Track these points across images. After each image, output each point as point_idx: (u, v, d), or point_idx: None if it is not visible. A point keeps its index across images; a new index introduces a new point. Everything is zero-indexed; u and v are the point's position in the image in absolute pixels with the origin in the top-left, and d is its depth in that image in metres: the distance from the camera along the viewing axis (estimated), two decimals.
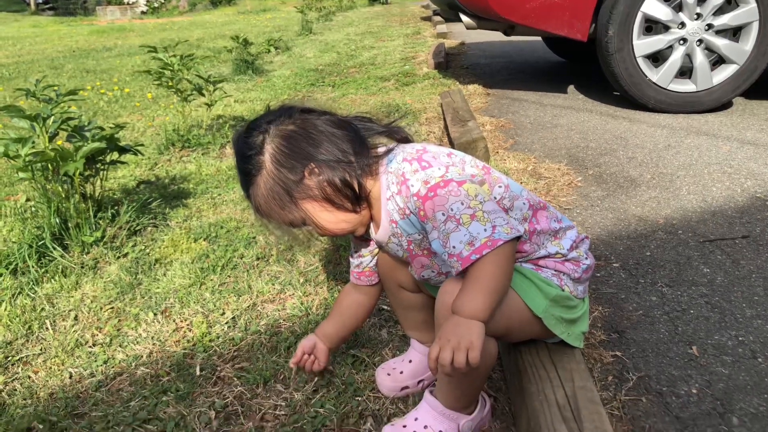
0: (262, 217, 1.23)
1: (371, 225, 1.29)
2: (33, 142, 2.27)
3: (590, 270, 1.29)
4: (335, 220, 1.19)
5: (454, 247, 1.07)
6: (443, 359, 1.00)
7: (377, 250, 1.41)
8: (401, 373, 1.44)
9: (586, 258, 1.28)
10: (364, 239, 1.37)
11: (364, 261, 1.42)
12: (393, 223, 1.22)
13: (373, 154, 1.20)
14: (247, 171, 1.17)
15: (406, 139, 1.27)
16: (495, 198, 1.18)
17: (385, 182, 1.20)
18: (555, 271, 1.23)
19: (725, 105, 3.54)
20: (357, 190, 1.17)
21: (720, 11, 3.33)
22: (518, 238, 1.09)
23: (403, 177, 1.15)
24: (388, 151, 1.21)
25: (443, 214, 1.09)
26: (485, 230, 1.06)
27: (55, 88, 2.54)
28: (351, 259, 1.45)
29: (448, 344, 1.01)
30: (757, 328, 1.53)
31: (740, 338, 1.49)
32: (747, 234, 2.00)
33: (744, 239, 1.98)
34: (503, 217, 1.09)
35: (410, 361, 1.46)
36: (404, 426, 1.23)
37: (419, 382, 1.44)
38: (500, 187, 1.20)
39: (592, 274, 1.35)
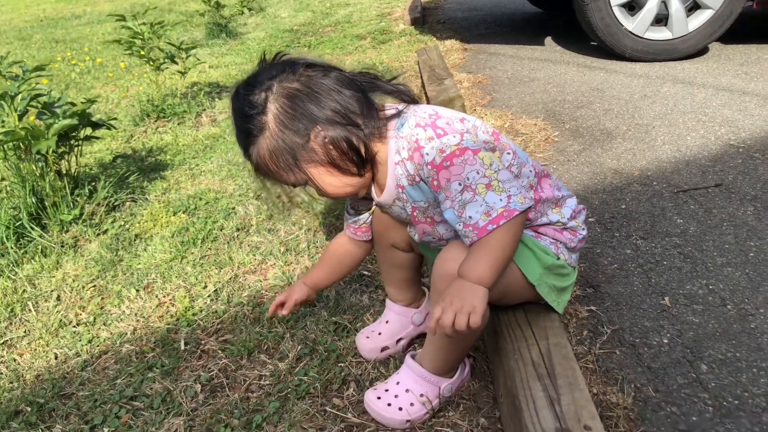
0: (262, 176, 1.19)
1: (373, 186, 1.27)
2: (2, 121, 2.23)
3: (584, 240, 1.31)
4: (339, 183, 1.16)
5: (470, 217, 1.07)
6: (445, 320, 1.02)
7: (375, 207, 1.40)
8: (379, 334, 1.47)
9: (583, 229, 1.29)
10: (365, 198, 1.34)
11: (362, 218, 1.42)
12: (399, 188, 1.20)
13: (381, 115, 1.16)
14: (247, 131, 1.12)
15: (413, 100, 1.22)
16: (504, 165, 1.16)
17: (394, 146, 1.17)
18: (553, 239, 1.25)
19: (701, 51, 3.52)
20: (363, 153, 1.14)
21: None
22: (530, 206, 1.10)
23: (417, 144, 1.12)
24: (398, 114, 1.17)
25: (459, 184, 1.08)
26: (501, 200, 1.06)
27: (22, 63, 2.48)
28: (347, 214, 1.45)
29: (451, 306, 1.03)
30: (727, 275, 1.56)
31: (710, 287, 1.53)
32: (720, 182, 2.03)
33: (717, 188, 2.00)
34: (517, 185, 1.09)
35: (387, 322, 1.49)
36: (386, 390, 1.27)
37: (398, 340, 1.47)
38: (509, 153, 1.20)
39: (585, 243, 1.36)
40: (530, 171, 1.23)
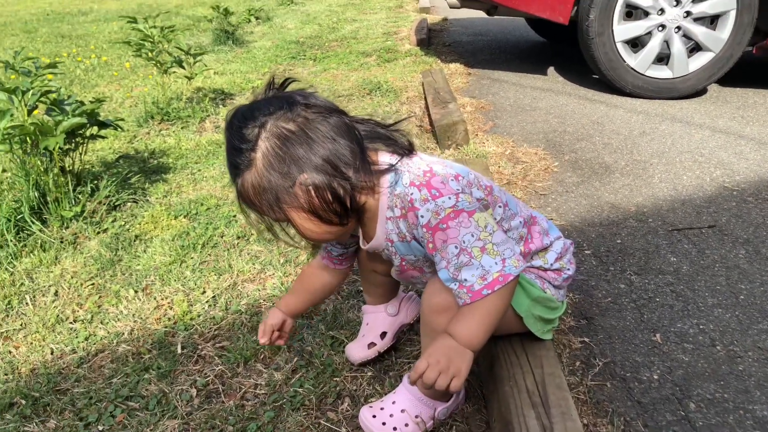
0: (245, 205, 1.17)
1: (359, 231, 1.26)
2: (12, 115, 2.25)
3: (571, 278, 1.35)
4: (319, 230, 1.13)
5: (465, 279, 1.09)
6: (428, 378, 1.05)
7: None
8: (363, 336, 1.53)
9: (569, 268, 1.33)
10: (352, 235, 1.32)
11: (347, 252, 1.42)
12: (389, 242, 1.21)
13: (374, 169, 1.13)
14: (236, 164, 1.09)
15: (410, 146, 1.19)
16: (496, 219, 1.19)
17: (386, 202, 1.16)
18: (537, 276, 1.29)
19: (700, 92, 3.60)
20: (348, 205, 1.10)
21: None
22: (523, 268, 1.12)
23: (412, 204, 1.11)
24: (391, 168, 1.14)
25: (456, 247, 1.09)
26: (496, 263, 1.08)
27: (34, 59, 2.50)
28: (330, 247, 1.42)
29: (436, 365, 1.06)
30: (718, 317, 1.60)
31: (701, 326, 1.57)
32: (713, 223, 2.08)
33: (710, 229, 2.05)
34: (511, 248, 1.11)
35: (367, 324, 1.55)
36: (381, 408, 1.29)
37: (382, 335, 1.52)
38: (500, 207, 1.22)
39: (573, 280, 1.38)
40: (520, 223, 1.26)
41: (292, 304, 1.47)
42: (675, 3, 3.39)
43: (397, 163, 1.14)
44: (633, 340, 1.53)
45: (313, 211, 1.09)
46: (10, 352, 1.66)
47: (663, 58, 3.52)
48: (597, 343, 1.53)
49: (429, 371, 1.05)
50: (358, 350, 1.50)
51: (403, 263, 1.26)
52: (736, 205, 2.20)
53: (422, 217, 1.10)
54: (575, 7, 3.54)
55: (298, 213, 1.09)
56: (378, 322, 1.54)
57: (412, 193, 1.11)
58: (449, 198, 1.09)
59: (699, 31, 3.41)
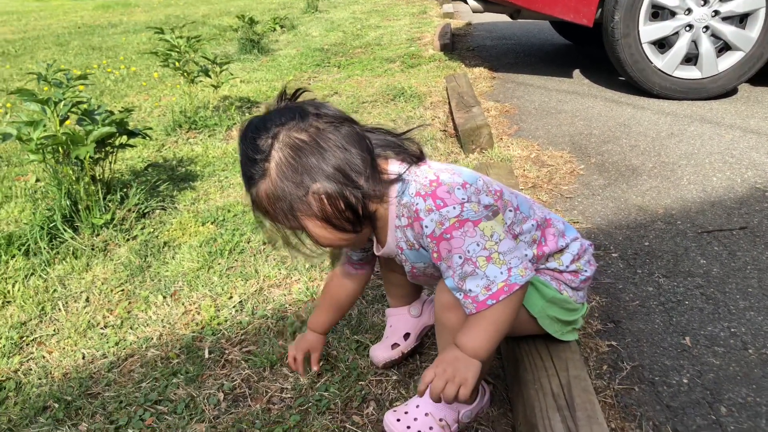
0: (260, 214, 1.19)
1: (374, 238, 1.28)
2: (44, 126, 2.31)
3: (589, 279, 1.33)
4: (333, 237, 1.14)
5: (470, 290, 1.09)
6: (435, 387, 1.07)
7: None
8: (387, 337, 1.55)
9: (586, 270, 1.32)
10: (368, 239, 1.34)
11: (367, 255, 1.43)
12: (399, 249, 1.23)
13: (384, 178, 1.14)
14: (250, 174, 1.11)
15: (420, 154, 1.20)
16: (506, 223, 1.19)
17: (394, 212, 1.17)
18: (553, 278, 1.28)
19: (730, 92, 3.54)
20: (360, 213, 1.12)
21: None
22: (530, 277, 1.12)
23: (417, 214, 1.13)
24: (399, 178, 1.15)
25: (460, 257, 1.10)
26: (501, 273, 1.08)
27: (66, 71, 2.57)
28: (350, 252, 1.43)
29: (443, 374, 1.08)
30: (750, 319, 1.57)
31: (732, 329, 1.54)
32: (745, 225, 2.04)
33: (741, 230, 2.01)
34: (519, 256, 1.10)
35: (391, 326, 1.56)
36: (406, 412, 1.29)
37: (405, 336, 1.53)
38: (510, 211, 1.22)
39: (592, 281, 1.37)
40: (532, 226, 1.25)
41: (322, 321, 1.50)
42: (702, 2, 3.34)
43: (404, 173, 1.15)
44: (662, 344, 1.51)
45: (326, 219, 1.10)
46: (43, 357, 1.70)
47: (691, 59, 3.47)
48: (625, 346, 1.51)
49: (437, 380, 1.08)
50: (381, 351, 1.51)
51: (414, 270, 1.28)
52: None
53: (426, 227, 1.11)
54: (600, 9, 3.51)
55: (312, 221, 1.11)
56: (401, 324, 1.55)
57: (417, 203, 1.12)
58: (453, 208, 1.10)
59: (728, 30, 3.35)
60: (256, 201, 1.14)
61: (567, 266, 1.29)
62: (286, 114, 1.11)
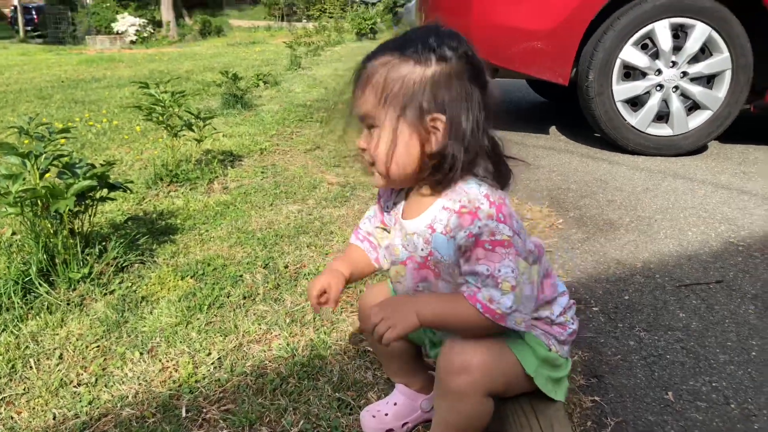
0: (356, 86, 1.16)
1: (403, 205, 1.26)
2: (24, 179, 2.29)
3: (575, 334, 1.34)
4: (401, 159, 1.10)
5: (477, 287, 1.09)
6: (372, 323, 1.14)
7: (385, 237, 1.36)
8: (386, 415, 1.46)
9: (572, 323, 1.33)
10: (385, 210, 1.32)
11: (374, 235, 1.39)
12: (430, 229, 1.17)
13: (477, 163, 1.13)
14: (406, 54, 1.07)
15: (505, 178, 1.16)
16: (540, 274, 1.22)
17: (454, 195, 1.14)
18: (543, 331, 1.28)
19: (701, 148, 3.65)
20: (447, 169, 1.10)
21: (695, 59, 3.46)
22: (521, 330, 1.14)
23: (476, 211, 1.09)
24: (481, 176, 1.14)
25: (488, 270, 1.08)
26: (509, 307, 1.08)
27: (48, 125, 2.57)
28: (364, 219, 1.41)
29: (380, 312, 1.14)
30: (730, 374, 1.58)
31: (714, 384, 1.54)
32: (721, 279, 2.07)
33: (718, 284, 2.04)
34: (529, 306, 1.12)
35: (395, 404, 1.49)
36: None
37: (404, 424, 1.47)
38: (539, 265, 1.24)
39: (576, 336, 1.37)
40: (538, 278, 1.26)
41: (344, 268, 1.38)
42: (671, 64, 3.48)
43: (485, 177, 1.14)
44: (645, 399, 1.50)
45: (423, 142, 1.09)
46: (11, 418, 1.64)
47: (663, 116, 3.59)
48: (608, 402, 1.50)
49: (373, 317, 1.14)
50: (375, 428, 1.45)
51: (428, 259, 1.19)
52: (743, 260, 2.19)
53: (478, 227, 1.08)
54: (574, 68, 3.63)
55: (409, 134, 1.09)
56: (406, 411, 1.48)
57: (482, 202, 1.10)
58: (509, 229, 1.08)
59: (696, 91, 3.48)
60: (370, 73, 1.12)
61: (556, 317, 1.29)
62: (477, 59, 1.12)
